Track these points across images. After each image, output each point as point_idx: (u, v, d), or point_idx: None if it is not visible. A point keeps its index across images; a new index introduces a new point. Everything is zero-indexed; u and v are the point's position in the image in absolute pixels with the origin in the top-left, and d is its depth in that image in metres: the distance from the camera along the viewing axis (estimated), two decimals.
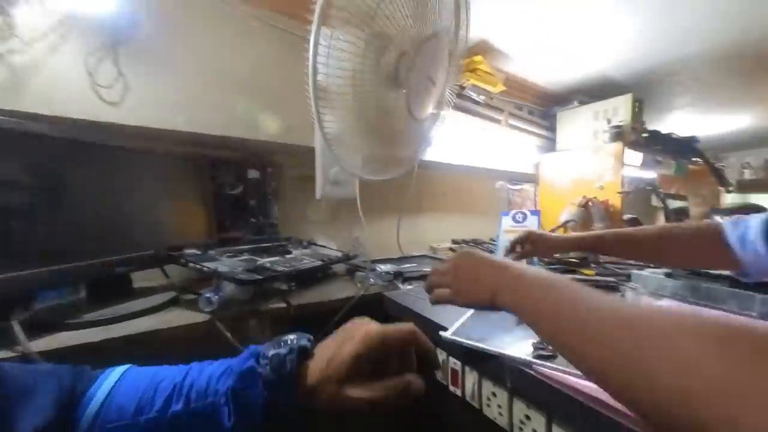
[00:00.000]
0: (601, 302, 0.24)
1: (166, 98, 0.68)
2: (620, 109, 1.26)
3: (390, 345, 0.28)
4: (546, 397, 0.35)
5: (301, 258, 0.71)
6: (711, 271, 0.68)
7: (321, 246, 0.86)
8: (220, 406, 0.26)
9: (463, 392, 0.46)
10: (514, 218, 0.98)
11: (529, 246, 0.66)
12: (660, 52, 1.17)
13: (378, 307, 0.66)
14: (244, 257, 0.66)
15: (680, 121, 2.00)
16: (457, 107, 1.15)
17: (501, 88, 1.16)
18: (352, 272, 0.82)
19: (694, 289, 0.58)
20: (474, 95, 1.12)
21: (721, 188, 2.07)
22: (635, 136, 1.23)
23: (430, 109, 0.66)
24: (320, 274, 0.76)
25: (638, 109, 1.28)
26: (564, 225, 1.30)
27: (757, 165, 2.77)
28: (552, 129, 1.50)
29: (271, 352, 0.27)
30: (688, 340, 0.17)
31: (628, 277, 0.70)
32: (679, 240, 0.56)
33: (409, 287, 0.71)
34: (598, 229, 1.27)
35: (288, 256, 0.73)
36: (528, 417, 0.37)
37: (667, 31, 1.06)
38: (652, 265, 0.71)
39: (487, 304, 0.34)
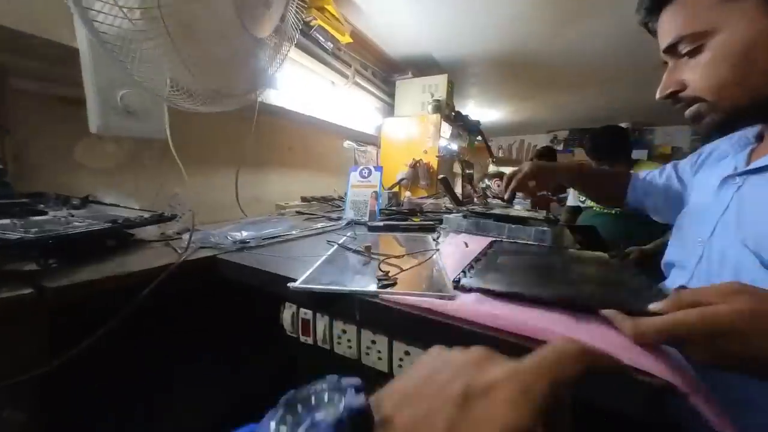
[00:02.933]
0: None
1: None
2: (440, 86, 1.52)
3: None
4: (388, 321, 0.38)
5: (67, 221, 0.46)
6: (484, 211, 0.98)
7: (110, 205, 0.60)
8: None
9: (314, 339, 0.45)
10: (361, 174, 1.04)
11: (533, 181, 0.67)
12: (463, 45, 1.47)
13: (208, 274, 0.53)
14: None
15: (471, 107, 2.68)
16: (303, 48, 1.04)
17: (348, 39, 1.13)
18: (169, 238, 0.63)
19: (476, 224, 0.82)
20: (321, 39, 1.03)
21: (489, 160, 3.01)
22: (448, 111, 1.54)
23: (269, 28, 0.54)
24: (112, 243, 0.53)
25: (451, 89, 1.59)
26: (399, 183, 1.51)
27: (506, 146, 4.19)
28: (392, 95, 1.64)
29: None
30: None
31: (441, 221, 0.89)
32: (615, 179, 0.72)
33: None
34: (423, 186, 1.55)
35: (38, 218, 0.46)
36: (373, 341, 0.40)
37: (467, 27, 1.33)
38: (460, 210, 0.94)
39: None
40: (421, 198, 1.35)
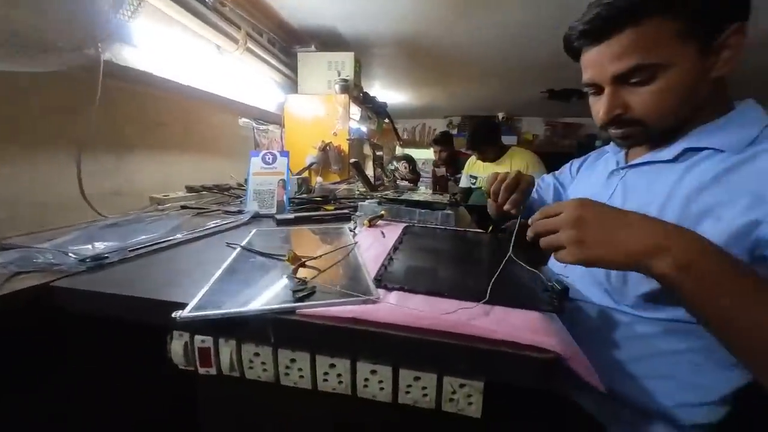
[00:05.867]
0: None
1: None
2: (347, 64, 1.45)
3: None
4: (309, 337, 0.35)
5: None
6: (396, 197, 1.01)
7: None
8: None
9: (219, 369, 0.38)
10: (263, 159, 0.91)
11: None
12: (369, 22, 1.41)
13: (37, 312, 0.38)
14: None
15: (377, 89, 2.69)
16: None
17: None
18: None
19: (391, 210, 0.84)
20: None
21: (396, 143, 3.13)
22: (357, 92, 1.49)
23: None
24: None
25: (359, 69, 1.54)
26: (309, 168, 1.41)
27: (410, 129, 4.44)
28: (294, 69, 1.48)
29: None
30: None
31: (356, 208, 0.88)
32: None
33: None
34: (334, 171, 1.49)
35: None
36: (293, 360, 0.36)
37: (373, 3, 1.28)
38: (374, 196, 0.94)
39: (630, 259, 0.33)
40: (334, 183, 1.30)
